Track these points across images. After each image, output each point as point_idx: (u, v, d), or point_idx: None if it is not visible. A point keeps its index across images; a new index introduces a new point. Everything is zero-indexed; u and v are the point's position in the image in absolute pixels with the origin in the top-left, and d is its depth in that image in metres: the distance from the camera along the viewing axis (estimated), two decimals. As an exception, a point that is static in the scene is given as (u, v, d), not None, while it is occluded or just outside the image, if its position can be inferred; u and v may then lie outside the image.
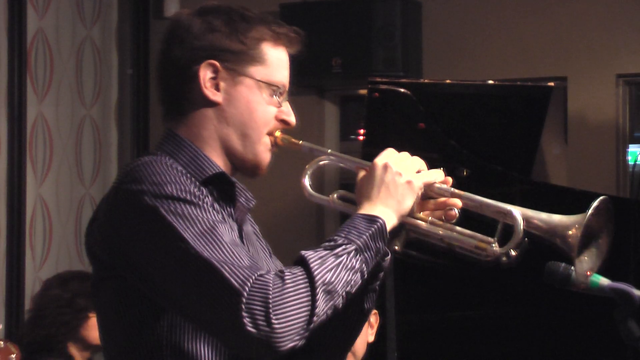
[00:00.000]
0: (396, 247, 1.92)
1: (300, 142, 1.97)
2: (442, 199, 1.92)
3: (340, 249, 1.74)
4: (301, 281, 1.68)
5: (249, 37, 1.88)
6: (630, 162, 4.76)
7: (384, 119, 3.57)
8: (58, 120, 5.00)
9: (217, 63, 1.86)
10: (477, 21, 4.95)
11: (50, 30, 4.96)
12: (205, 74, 1.86)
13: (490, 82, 4.01)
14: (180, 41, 1.87)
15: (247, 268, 1.67)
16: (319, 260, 1.71)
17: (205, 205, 1.75)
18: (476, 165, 3.62)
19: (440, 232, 1.92)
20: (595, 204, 1.87)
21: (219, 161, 1.88)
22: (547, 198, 3.73)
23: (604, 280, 2.05)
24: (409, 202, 1.87)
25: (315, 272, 1.69)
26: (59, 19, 5.01)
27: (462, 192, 1.94)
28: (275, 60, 1.92)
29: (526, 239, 1.89)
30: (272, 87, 1.90)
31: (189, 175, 1.80)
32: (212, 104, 1.87)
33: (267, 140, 1.92)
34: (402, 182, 1.86)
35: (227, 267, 1.66)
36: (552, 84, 3.80)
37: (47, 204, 4.94)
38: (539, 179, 4.46)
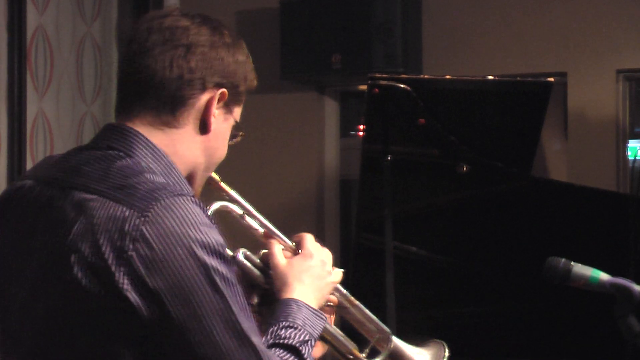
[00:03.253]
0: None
1: (231, 191, 1.94)
2: None
3: (310, 345, 1.83)
4: None
5: (249, 78, 1.86)
6: (630, 158, 4.76)
7: (383, 115, 3.56)
8: (59, 117, 5.01)
9: (226, 94, 1.81)
10: (477, 17, 4.95)
11: (51, 27, 4.97)
12: (215, 100, 1.80)
13: (490, 77, 4.01)
14: (203, 54, 1.79)
15: (272, 355, 1.74)
16: (309, 358, 1.82)
17: (230, 260, 1.72)
18: (476, 161, 3.62)
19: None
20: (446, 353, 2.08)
21: None
22: (547, 194, 3.73)
23: (604, 276, 2.05)
24: (327, 298, 1.98)
25: None
26: (59, 15, 5.01)
27: (355, 300, 2.07)
28: (242, 105, 1.90)
29: None
30: (239, 131, 1.88)
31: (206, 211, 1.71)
32: (205, 131, 1.80)
33: None
34: (329, 282, 1.97)
35: (264, 354, 1.70)
36: (552, 79, 3.79)
37: (47, 201, 4.94)
38: (539, 174, 4.46)
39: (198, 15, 1.86)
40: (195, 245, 1.64)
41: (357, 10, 4.79)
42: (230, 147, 1.89)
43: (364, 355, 2.03)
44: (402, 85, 3.53)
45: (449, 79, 3.95)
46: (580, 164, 4.75)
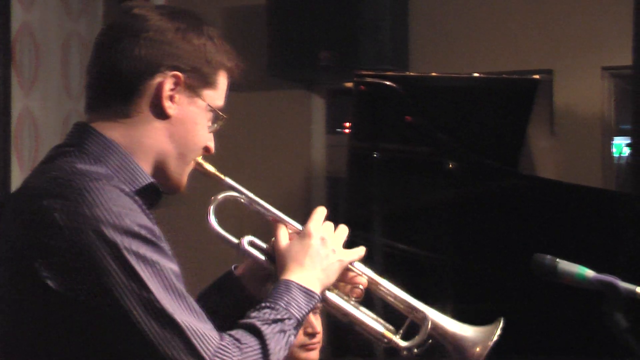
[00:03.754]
0: None
1: (225, 178, 1.93)
2: (352, 275, 1.98)
3: (287, 324, 1.78)
4: (258, 356, 1.74)
5: (214, 60, 1.84)
6: (616, 155, 4.78)
7: (370, 112, 3.57)
8: (45, 114, 4.99)
9: (181, 77, 1.79)
10: (464, 15, 4.96)
11: (36, 23, 4.95)
12: (167, 85, 1.79)
13: (476, 75, 4.02)
14: (149, 40, 1.79)
15: (209, 332, 1.68)
16: (273, 337, 1.76)
17: (160, 243, 1.70)
18: (463, 158, 3.63)
19: (348, 308, 1.96)
20: (501, 325, 1.94)
21: (146, 171, 1.81)
22: (533, 190, 3.74)
23: (589, 273, 2.06)
24: (334, 278, 1.92)
25: (270, 350, 1.75)
26: (44, 11, 4.99)
27: (380, 279, 2.00)
28: (223, 88, 1.88)
29: (430, 340, 1.95)
30: (217, 114, 1.86)
31: (135, 199, 1.71)
32: (164, 116, 1.80)
33: (192, 163, 1.88)
34: (334, 260, 1.92)
35: (193, 332, 1.66)
36: (538, 76, 3.81)
37: (33, 198, 4.92)
38: (526, 171, 4.48)
39: (157, 6, 1.87)
40: (105, 226, 1.64)
41: (345, 7, 4.79)
42: (217, 140, 1.88)
43: (397, 336, 1.95)
44: (388, 83, 3.54)
45: (435, 76, 3.96)
46: (566, 161, 4.77)
